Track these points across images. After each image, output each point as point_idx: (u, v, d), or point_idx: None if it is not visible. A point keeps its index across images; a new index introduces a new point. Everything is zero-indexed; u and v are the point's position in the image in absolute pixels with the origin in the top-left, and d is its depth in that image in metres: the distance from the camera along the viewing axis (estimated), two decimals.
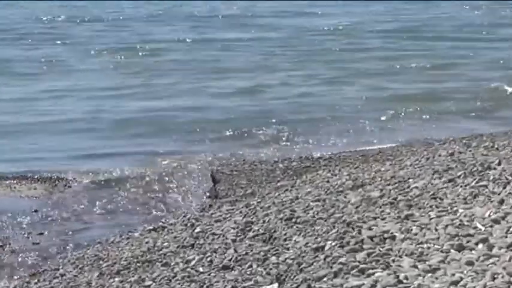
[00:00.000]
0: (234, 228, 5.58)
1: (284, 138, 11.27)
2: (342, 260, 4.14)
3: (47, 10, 32.07)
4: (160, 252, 5.67)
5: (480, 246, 4.03)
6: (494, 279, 3.58)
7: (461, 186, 5.22)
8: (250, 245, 5.09)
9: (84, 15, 29.94)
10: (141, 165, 9.91)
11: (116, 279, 5.37)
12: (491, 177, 5.25)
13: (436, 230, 4.35)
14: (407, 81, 15.68)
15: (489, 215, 4.43)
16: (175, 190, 8.97)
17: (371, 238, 4.40)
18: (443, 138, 9.92)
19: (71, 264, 6.27)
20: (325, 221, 5.09)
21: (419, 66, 17.48)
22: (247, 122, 12.16)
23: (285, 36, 23.84)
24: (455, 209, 4.69)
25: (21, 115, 13.04)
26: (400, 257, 4.05)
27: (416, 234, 4.35)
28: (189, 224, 6.35)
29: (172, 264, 5.25)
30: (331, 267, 4.10)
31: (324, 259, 4.28)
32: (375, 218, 4.82)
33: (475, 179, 5.31)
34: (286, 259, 4.54)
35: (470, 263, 3.82)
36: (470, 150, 6.99)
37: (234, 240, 5.31)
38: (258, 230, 5.37)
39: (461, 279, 3.64)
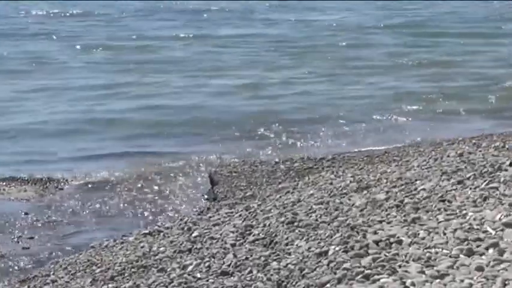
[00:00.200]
0: (233, 232, 5.58)
1: (285, 138, 11.28)
2: (346, 265, 4.14)
3: (33, 4, 32.04)
4: (156, 257, 5.67)
5: (490, 251, 4.03)
6: (505, 285, 3.58)
7: (470, 188, 5.23)
8: (250, 249, 5.09)
9: (74, 10, 29.93)
10: (136, 167, 9.91)
11: (110, 285, 5.37)
12: (502, 179, 5.26)
13: (445, 234, 4.35)
14: (414, 79, 15.70)
15: (500, 219, 4.43)
16: (171, 192, 8.97)
17: (376, 242, 4.40)
18: (451, 138, 9.92)
19: (62, 269, 6.26)
20: (329, 224, 5.09)
21: (426, 63, 17.49)
22: (247, 121, 12.17)
23: (285, 32, 23.86)
24: (464, 212, 4.70)
25: (10, 115, 13.03)
26: (407, 262, 4.05)
27: (423, 238, 4.35)
28: (186, 228, 6.35)
29: (168, 269, 5.25)
30: (335, 273, 4.10)
31: (328, 264, 4.28)
32: (380, 222, 4.82)
33: (485, 181, 5.31)
34: (287, 264, 4.54)
35: (480, 269, 3.82)
36: (480, 151, 7.00)
37: (233, 245, 5.31)
38: (259, 234, 5.37)
39: (471, 285, 3.64)
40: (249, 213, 6.15)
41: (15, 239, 7.53)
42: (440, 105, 13.07)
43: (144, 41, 21.96)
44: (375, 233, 4.58)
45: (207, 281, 4.76)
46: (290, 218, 5.43)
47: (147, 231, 6.76)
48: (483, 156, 6.49)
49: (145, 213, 8.28)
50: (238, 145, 10.93)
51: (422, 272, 3.87)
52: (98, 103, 13.88)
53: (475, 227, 4.38)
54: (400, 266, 4.00)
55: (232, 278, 4.69)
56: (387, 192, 5.65)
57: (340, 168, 8.33)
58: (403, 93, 14.21)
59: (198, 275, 4.91)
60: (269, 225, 5.48)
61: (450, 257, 4.03)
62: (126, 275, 5.50)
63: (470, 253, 4.04)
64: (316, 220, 5.28)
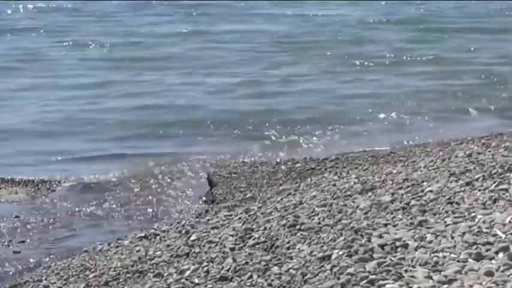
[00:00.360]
0: (232, 236, 5.59)
1: (287, 138, 11.28)
2: (350, 270, 4.14)
3: None
4: (152, 261, 5.67)
5: (500, 255, 4.03)
6: None
7: (479, 190, 5.23)
8: (250, 254, 5.09)
9: (65, 4, 29.87)
10: (131, 168, 9.91)
11: None
12: None
13: (453, 237, 4.36)
14: (420, 76, 15.69)
15: (510, 221, 4.43)
16: (168, 194, 8.97)
17: (381, 246, 4.40)
18: (460, 138, 9.92)
19: (55, 275, 6.26)
20: (332, 227, 5.09)
21: (431, 60, 17.49)
22: (246, 121, 12.16)
23: (286, 27, 23.85)
24: (473, 214, 4.70)
25: None
26: (413, 267, 4.05)
27: (430, 242, 4.35)
28: (183, 231, 6.36)
29: (165, 274, 5.25)
30: (338, 278, 4.10)
31: (331, 269, 4.28)
32: (385, 225, 4.82)
33: (494, 182, 5.31)
34: (289, 269, 4.54)
35: (489, 274, 3.82)
36: (489, 151, 7.00)
37: (232, 249, 5.31)
38: (259, 237, 5.37)
39: None
40: (249, 216, 6.15)
41: (6, 243, 7.54)
42: (447, 104, 13.07)
43: (138, 37, 21.94)
44: (380, 236, 4.58)
45: (206, 286, 4.77)
46: (292, 221, 5.43)
47: (142, 235, 6.76)
48: (493, 156, 6.49)
49: (141, 216, 8.28)
50: (237, 145, 10.93)
51: (430, 277, 3.87)
52: (90, 102, 13.88)
53: (484, 230, 4.38)
54: (406, 271, 4.00)
55: (231, 283, 4.69)
56: (393, 194, 5.65)
57: (343, 169, 8.34)
58: (409, 91, 14.21)
59: (196, 280, 4.91)
60: (270, 228, 5.48)
61: (458, 261, 4.03)
62: (121, 280, 5.50)
63: (479, 257, 4.04)
64: (319, 223, 5.28)
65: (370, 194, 5.95)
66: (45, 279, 6.26)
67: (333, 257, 4.46)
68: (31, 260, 7.10)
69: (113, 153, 10.71)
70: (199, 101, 13.85)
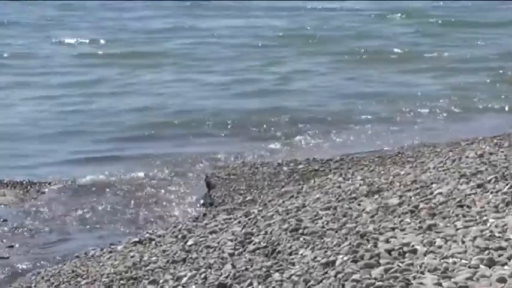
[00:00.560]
0: (231, 241, 5.58)
1: (289, 138, 11.28)
2: (356, 276, 4.14)
3: None
4: (147, 268, 5.67)
5: None
6: None
7: (491, 193, 5.22)
8: (251, 259, 5.09)
9: None
10: (125, 169, 9.92)
11: None
12: None
13: (463, 242, 4.35)
14: (429, 74, 15.69)
15: None
16: (164, 197, 8.98)
17: (389, 252, 4.40)
18: (471, 138, 9.92)
19: (45, 281, 6.26)
20: (336, 232, 5.09)
21: (441, 58, 17.49)
22: (246, 120, 12.17)
23: (288, 21, 23.86)
24: (484, 218, 4.69)
25: None
26: (422, 273, 4.05)
27: (440, 247, 4.35)
28: (180, 236, 6.35)
29: (161, 281, 5.24)
30: (343, 285, 4.10)
31: (335, 276, 4.28)
32: (393, 229, 4.82)
33: (507, 184, 5.31)
34: (291, 276, 4.54)
35: (502, 280, 3.81)
36: (502, 151, 6.99)
37: (231, 254, 5.31)
38: (259, 242, 5.37)
39: None
40: (249, 219, 6.15)
41: None
42: (458, 102, 13.07)
43: (132, 33, 21.95)
44: (387, 241, 4.58)
45: None
46: (294, 224, 5.43)
47: (137, 240, 6.75)
48: (505, 157, 6.49)
49: (136, 220, 8.29)
50: (236, 145, 10.93)
51: (439, 284, 3.87)
52: (82, 101, 13.88)
53: (497, 234, 4.37)
54: (414, 278, 4.00)
55: None
56: (400, 196, 5.65)
57: (349, 170, 8.34)
58: (417, 88, 14.21)
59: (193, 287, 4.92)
60: (271, 232, 5.48)
61: (469, 267, 4.03)
62: (114, 287, 5.50)
63: (491, 263, 4.04)
64: (323, 227, 5.28)
65: (376, 196, 5.94)
66: (35, 286, 6.25)
67: (338, 262, 4.46)
68: (20, 266, 7.10)
69: (106, 155, 10.71)
70: (196, 99, 13.86)
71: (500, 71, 15.58)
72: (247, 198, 7.98)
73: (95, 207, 8.67)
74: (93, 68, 16.98)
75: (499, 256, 4.10)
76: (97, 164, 10.25)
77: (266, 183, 8.54)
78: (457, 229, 4.58)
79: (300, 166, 9.13)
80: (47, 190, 9.25)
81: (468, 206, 5.01)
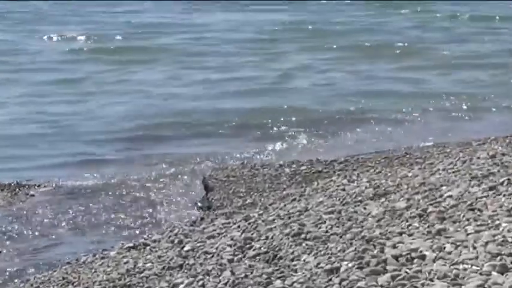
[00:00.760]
0: (230, 246, 5.58)
1: (291, 138, 11.28)
2: (361, 284, 4.14)
3: None
4: (142, 274, 5.67)
5: None
6: None
7: (504, 195, 5.22)
8: (251, 266, 5.09)
9: None
10: (118, 171, 9.92)
11: None
12: None
13: (475, 247, 4.35)
14: (438, 71, 15.68)
15: None
16: (159, 200, 8.97)
17: (396, 258, 4.40)
18: (482, 138, 9.92)
19: None
20: (341, 237, 5.09)
21: (449, 53, 17.48)
22: (246, 119, 12.17)
23: (287, 16, 23.84)
24: (497, 222, 4.69)
25: None
26: (431, 280, 4.05)
27: (450, 253, 4.35)
28: (176, 241, 6.35)
29: None
30: None
31: (339, 283, 4.28)
32: (400, 234, 4.82)
33: None
34: (293, 283, 4.54)
35: None
36: None
37: (230, 261, 5.31)
38: (260, 248, 5.37)
39: None
40: (249, 224, 6.15)
41: None
42: (468, 100, 13.07)
43: (125, 27, 21.94)
44: (394, 246, 4.58)
45: None
46: (296, 229, 5.43)
47: (131, 245, 6.75)
48: None
49: (130, 224, 8.28)
50: (236, 146, 10.93)
51: None
52: (73, 100, 13.86)
53: (510, 239, 4.38)
54: (423, 285, 4.00)
55: None
56: (408, 199, 5.65)
57: (354, 172, 8.33)
58: (425, 86, 14.21)
59: None
60: (272, 237, 5.48)
61: (481, 274, 4.03)
62: None
63: (504, 270, 4.04)
64: (326, 232, 5.28)
65: (383, 199, 5.95)
66: None
67: (342, 269, 4.46)
68: (7, 273, 7.09)
69: (98, 156, 10.71)
70: (193, 97, 13.86)
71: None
72: (247, 202, 7.98)
73: (86, 211, 8.67)
74: (84, 65, 16.98)
75: None
76: (89, 165, 10.25)
77: (267, 186, 8.54)
78: (468, 234, 4.58)
79: (303, 168, 9.13)
80: (36, 193, 9.25)
81: (479, 210, 5.01)
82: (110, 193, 9.18)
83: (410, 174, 6.84)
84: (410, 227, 4.93)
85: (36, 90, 14.74)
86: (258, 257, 5.22)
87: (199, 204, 8.69)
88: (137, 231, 7.98)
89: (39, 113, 13.13)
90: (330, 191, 6.88)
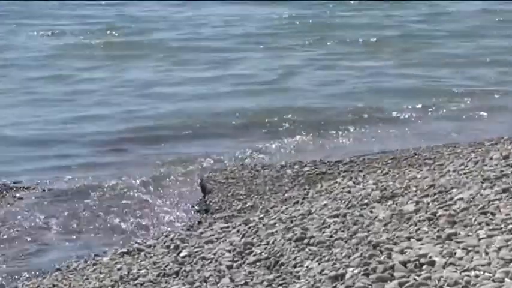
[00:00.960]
0: (229, 252, 5.59)
1: (293, 138, 11.27)
2: None
3: None
4: (136, 281, 5.67)
5: None
6: None
7: None
8: (251, 272, 5.09)
9: None
10: (111, 173, 9.91)
11: None
12: None
13: (487, 253, 4.35)
14: (447, 67, 15.66)
15: None
16: (154, 203, 8.97)
17: (404, 264, 4.40)
18: (495, 137, 9.92)
19: None
20: (346, 242, 5.09)
21: (459, 49, 17.46)
22: (245, 118, 12.16)
23: (287, 10, 23.79)
24: (510, 226, 4.69)
25: None
26: (441, 287, 4.05)
27: (461, 258, 4.35)
28: (172, 246, 6.36)
29: None
30: None
31: None
32: (408, 239, 4.82)
33: None
34: None
35: None
36: None
37: (229, 267, 5.31)
38: (261, 253, 5.37)
39: None
40: (249, 228, 6.15)
41: None
42: (480, 98, 13.05)
43: (115, 21, 21.88)
44: (402, 252, 4.58)
45: None
46: (299, 234, 5.43)
47: (125, 250, 6.76)
48: None
49: (123, 228, 8.28)
50: (235, 146, 10.92)
51: None
52: (63, 99, 13.84)
53: None
54: None
55: None
56: (417, 202, 5.65)
57: (359, 173, 8.34)
58: (434, 83, 14.19)
59: None
60: (273, 242, 5.49)
61: (493, 281, 4.03)
62: None
63: None
64: (331, 237, 5.28)
65: (390, 202, 5.95)
66: None
67: (347, 276, 4.46)
68: None
69: (89, 158, 10.68)
70: (191, 96, 13.83)
71: None
72: (246, 205, 7.98)
73: (78, 215, 8.66)
74: (73, 61, 16.94)
75: None
76: (80, 167, 10.24)
77: (268, 188, 8.54)
78: (480, 239, 4.58)
79: (306, 169, 9.13)
80: (24, 196, 9.25)
81: (492, 213, 5.01)
82: (103, 196, 9.18)
83: (419, 176, 6.84)
84: (419, 232, 4.93)
85: (25, 88, 14.72)
86: (258, 263, 5.22)
87: (196, 207, 8.69)
88: (131, 236, 7.98)
89: (27, 112, 13.11)
90: (334, 194, 6.89)
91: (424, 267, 4.34)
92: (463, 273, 4.16)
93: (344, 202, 6.32)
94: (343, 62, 16.35)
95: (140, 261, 6.22)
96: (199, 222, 7.74)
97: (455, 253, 4.43)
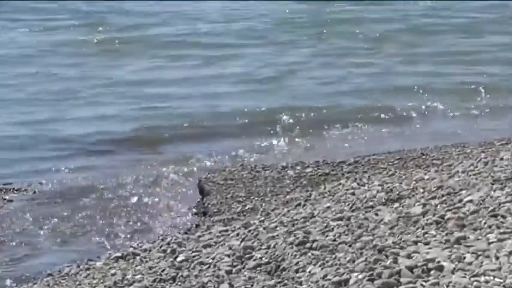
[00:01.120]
0: (228, 256, 5.59)
1: (295, 137, 11.28)
2: None
3: None
4: (131, 287, 5.67)
5: None
6: None
7: None
8: (251, 278, 5.09)
9: None
10: (104, 174, 9.91)
11: None
12: None
13: (497, 258, 4.35)
14: (457, 64, 15.66)
15: None
16: (150, 206, 8.97)
17: (410, 269, 4.40)
18: (506, 137, 9.92)
19: None
20: (350, 246, 5.09)
21: (470, 46, 17.45)
22: (246, 116, 12.16)
23: (290, 5, 23.80)
24: None
25: None
26: None
27: (470, 263, 4.35)
28: (169, 251, 6.36)
29: None
30: None
31: None
32: (415, 243, 4.82)
33: None
34: None
35: None
36: None
37: (228, 272, 5.31)
38: (261, 258, 5.37)
39: None
40: (249, 231, 6.15)
41: None
42: (489, 96, 13.06)
43: (110, 17, 21.86)
44: (409, 256, 4.58)
45: None
46: (301, 237, 5.43)
47: (119, 255, 6.76)
48: None
49: (117, 232, 8.28)
50: (235, 145, 10.92)
51: None
52: (56, 98, 13.82)
53: None
54: None
55: None
56: (424, 205, 5.65)
57: (364, 174, 8.34)
58: (443, 81, 14.19)
59: None
60: (274, 246, 5.49)
61: (504, 286, 4.03)
62: None
63: None
64: (334, 240, 5.28)
65: (396, 204, 5.95)
66: None
67: (352, 281, 4.46)
68: None
69: (83, 159, 10.67)
70: (189, 93, 13.83)
71: None
72: (246, 207, 7.98)
73: (70, 218, 8.66)
74: (65, 59, 16.93)
75: None
76: (73, 169, 10.23)
77: (269, 190, 8.54)
78: (490, 243, 4.58)
79: (308, 170, 9.14)
80: (14, 197, 9.25)
81: (503, 216, 5.01)
82: (96, 198, 9.18)
83: (426, 177, 6.84)
84: (426, 235, 4.93)
85: (13, 86, 14.72)
86: (258, 268, 5.22)
87: (194, 209, 8.69)
88: (126, 240, 7.99)
89: (18, 111, 13.11)
90: (338, 196, 6.89)
91: (432, 272, 4.34)
92: (472, 279, 4.16)
93: (348, 204, 6.32)
94: (347, 58, 16.34)
95: (135, 266, 6.22)
96: (197, 226, 7.75)
97: (464, 258, 4.43)
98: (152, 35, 19.40)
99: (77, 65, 16.35)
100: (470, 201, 5.47)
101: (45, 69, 15.91)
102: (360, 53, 16.77)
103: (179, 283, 5.45)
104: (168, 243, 6.62)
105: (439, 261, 4.42)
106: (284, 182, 8.77)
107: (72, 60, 16.72)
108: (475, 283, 4.10)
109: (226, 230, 6.54)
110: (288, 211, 6.72)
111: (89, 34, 19.35)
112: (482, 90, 13.34)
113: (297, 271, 4.96)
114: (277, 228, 5.96)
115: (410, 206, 5.71)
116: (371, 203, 6.17)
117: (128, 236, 8.16)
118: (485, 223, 4.94)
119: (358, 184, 7.32)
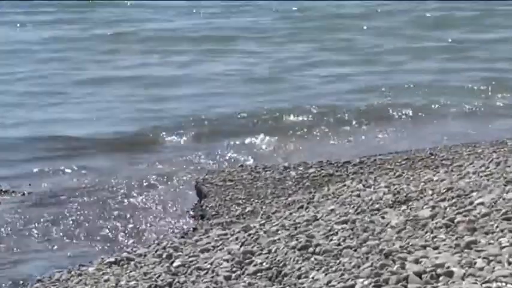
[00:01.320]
0: (227, 261, 5.59)
1: (297, 136, 11.28)
2: None
3: None
4: None
5: None
6: None
7: None
8: (251, 284, 5.09)
9: None
10: (97, 175, 9.92)
11: None
12: None
13: (510, 263, 4.35)
14: (466, 61, 15.67)
15: None
16: (145, 208, 8.98)
17: (419, 275, 4.40)
18: None
19: None
20: (355, 250, 5.09)
21: (479, 43, 17.48)
22: (246, 115, 12.18)
23: (288, 2, 23.86)
24: None
25: None
26: None
27: (481, 269, 4.35)
28: (164, 255, 6.36)
29: None
30: None
31: None
32: (424, 247, 4.82)
33: None
34: None
35: None
36: None
37: (227, 278, 5.31)
38: (262, 263, 5.37)
39: None
40: (249, 235, 6.15)
41: None
42: (501, 95, 13.07)
43: (103, 13, 21.90)
44: (417, 261, 4.58)
45: None
46: (303, 241, 5.43)
47: (112, 260, 6.75)
48: None
49: (111, 236, 8.29)
50: (234, 145, 10.94)
51: None
52: (49, 98, 13.86)
53: None
54: None
55: None
56: (433, 207, 5.65)
57: (370, 175, 8.34)
58: (453, 78, 14.20)
59: None
60: (275, 251, 5.49)
61: None
62: None
63: None
64: (339, 245, 5.28)
65: (404, 207, 5.95)
66: None
67: (357, 287, 4.46)
68: None
69: (76, 160, 10.68)
70: (188, 92, 13.85)
71: None
72: (246, 210, 7.98)
73: (61, 221, 8.66)
74: (62, 56, 16.96)
75: None
76: (65, 171, 10.25)
77: (269, 191, 8.55)
78: (503, 247, 4.58)
79: (311, 170, 9.14)
80: (2, 200, 9.26)
81: None
82: (88, 201, 9.18)
83: (435, 178, 6.84)
84: (435, 239, 4.93)
85: (7, 85, 14.75)
86: (259, 274, 5.22)
87: (191, 212, 8.70)
88: (119, 244, 7.99)
89: (9, 111, 13.13)
90: (342, 198, 6.89)
91: (441, 278, 4.33)
92: (483, 285, 4.15)
93: (353, 207, 6.32)
94: (349, 57, 16.35)
95: (129, 271, 6.22)
96: (195, 229, 7.75)
97: (475, 263, 4.43)
98: (149, 29, 19.44)
99: (69, 61, 16.38)
100: (482, 203, 5.47)
101: (35, 67, 15.94)
102: (366, 51, 16.79)
103: None
104: (164, 248, 6.62)
105: (448, 267, 4.42)
106: (286, 183, 8.77)
107: (64, 55, 16.75)
108: None
109: (225, 234, 6.55)
110: (290, 214, 6.72)
111: (84, 30, 19.40)
112: (494, 88, 13.35)
113: (299, 277, 4.96)
114: (279, 232, 5.96)
115: (419, 209, 5.71)
116: (377, 206, 6.17)
117: (122, 240, 8.16)
118: (497, 227, 4.94)
119: (363, 186, 7.32)
